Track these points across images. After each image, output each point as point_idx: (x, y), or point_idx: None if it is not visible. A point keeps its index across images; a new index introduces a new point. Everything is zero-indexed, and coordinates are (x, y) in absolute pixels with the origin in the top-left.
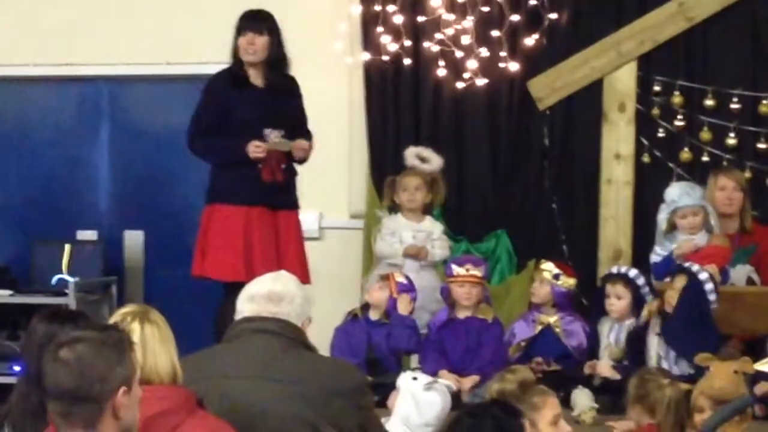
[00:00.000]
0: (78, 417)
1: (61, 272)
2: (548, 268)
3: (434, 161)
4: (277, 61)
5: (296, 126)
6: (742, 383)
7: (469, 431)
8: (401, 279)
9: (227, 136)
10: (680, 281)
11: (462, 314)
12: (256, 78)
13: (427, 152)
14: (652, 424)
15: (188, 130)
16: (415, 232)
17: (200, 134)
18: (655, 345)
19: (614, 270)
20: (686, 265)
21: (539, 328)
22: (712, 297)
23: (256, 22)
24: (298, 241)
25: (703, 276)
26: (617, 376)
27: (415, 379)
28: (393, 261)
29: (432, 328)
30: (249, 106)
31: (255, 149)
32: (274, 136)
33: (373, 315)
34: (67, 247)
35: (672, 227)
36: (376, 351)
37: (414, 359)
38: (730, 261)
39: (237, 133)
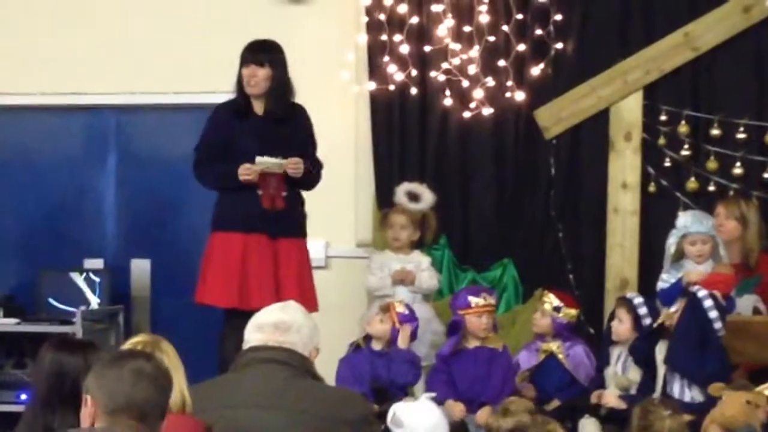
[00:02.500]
0: None
1: (69, 301)
2: (549, 300)
3: (425, 199)
4: (279, 91)
5: (303, 155)
6: (754, 414)
7: None
8: (402, 309)
9: (226, 163)
10: (683, 304)
11: (472, 344)
12: (258, 108)
13: (419, 189)
14: None
15: (193, 158)
16: (404, 264)
17: (203, 161)
18: (663, 369)
19: (626, 295)
20: (690, 289)
21: (542, 356)
22: (713, 314)
23: (258, 53)
24: (301, 269)
25: (701, 293)
26: (623, 406)
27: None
28: (383, 293)
29: (440, 358)
30: (249, 135)
31: (245, 172)
32: (261, 161)
33: (376, 345)
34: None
35: (680, 255)
36: (381, 380)
37: (417, 389)
38: (737, 291)
39: (237, 161)
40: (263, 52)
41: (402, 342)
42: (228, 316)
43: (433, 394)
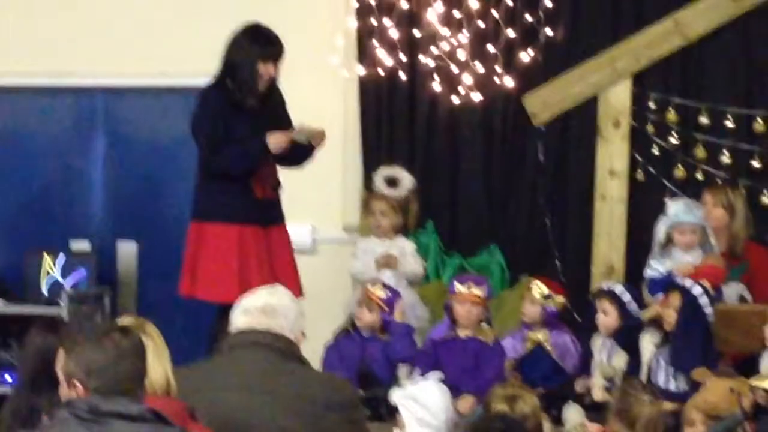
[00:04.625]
0: None
1: (54, 279)
2: (539, 288)
3: (404, 183)
4: (275, 81)
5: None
6: (736, 402)
7: None
8: (382, 294)
9: (241, 143)
10: (675, 299)
11: (463, 333)
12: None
13: (398, 173)
14: None
15: (203, 153)
16: (388, 249)
17: (216, 150)
18: (648, 353)
19: (604, 286)
20: (678, 281)
21: (529, 345)
22: (708, 310)
23: (281, 50)
24: (290, 254)
25: (696, 291)
26: (609, 399)
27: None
28: (367, 277)
29: (429, 342)
30: (243, 123)
31: (280, 141)
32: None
33: (365, 332)
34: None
35: (668, 242)
36: (371, 364)
37: (404, 371)
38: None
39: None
40: (282, 48)
41: (399, 315)
42: (223, 309)
43: (440, 375)
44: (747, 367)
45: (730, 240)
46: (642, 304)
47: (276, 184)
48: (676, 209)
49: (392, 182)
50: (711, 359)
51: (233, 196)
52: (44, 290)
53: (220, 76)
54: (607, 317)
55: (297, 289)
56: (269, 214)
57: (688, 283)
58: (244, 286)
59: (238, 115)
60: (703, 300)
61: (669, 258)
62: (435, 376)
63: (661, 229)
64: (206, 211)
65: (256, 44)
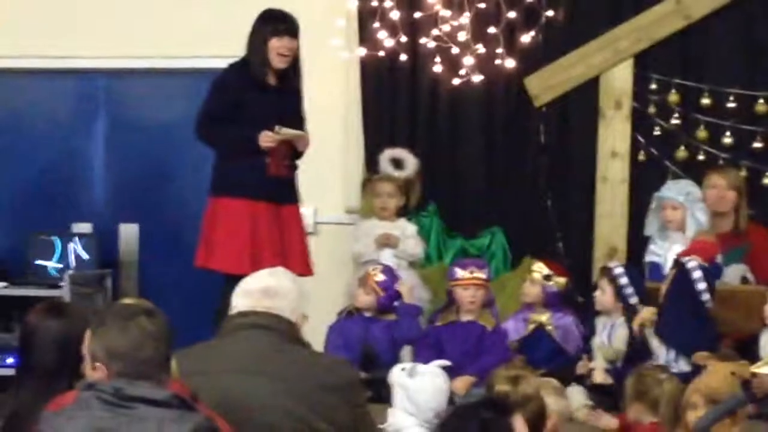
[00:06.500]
0: None
1: (57, 264)
2: (539, 268)
3: (409, 165)
4: (298, 64)
5: (298, 125)
6: (737, 386)
7: None
8: (380, 278)
9: (238, 127)
10: (672, 274)
11: (464, 317)
12: (270, 76)
13: (403, 154)
14: (655, 423)
15: (197, 118)
16: (388, 231)
17: (210, 123)
18: (656, 340)
19: (608, 264)
20: (676, 256)
21: (531, 327)
22: (701, 286)
23: (291, 25)
24: (302, 234)
25: (691, 264)
26: (610, 381)
27: (403, 369)
28: (368, 258)
29: (430, 326)
30: (263, 104)
31: (268, 139)
32: (284, 131)
33: (367, 313)
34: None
35: (663, 224)
36: (374, 345)
37: (406, 353)
38: (725, 259)
39: (250, 129)
40: (293, 24)
41: (407, 296)
42: (231, 283)
43: (443, 362)
44: (747, 348)
45: (736, 221)
46: (642, 287)
47: (291, 164)
48: (665, 186)
49: (397, 164)
50: (710, 339)
51: (246, 172)
52: (46, 273)
53: (241, 59)
54: (603, 295)
55: (306, 268)
56: (282, 192)
57: (684, 258)
58: (256, 259)
59: (257, 95)
60: (696, 274)
61: (668, 240)
62: (437, 363)
63: (652, 207)
64: (220, 186)
65: (267, 23)
